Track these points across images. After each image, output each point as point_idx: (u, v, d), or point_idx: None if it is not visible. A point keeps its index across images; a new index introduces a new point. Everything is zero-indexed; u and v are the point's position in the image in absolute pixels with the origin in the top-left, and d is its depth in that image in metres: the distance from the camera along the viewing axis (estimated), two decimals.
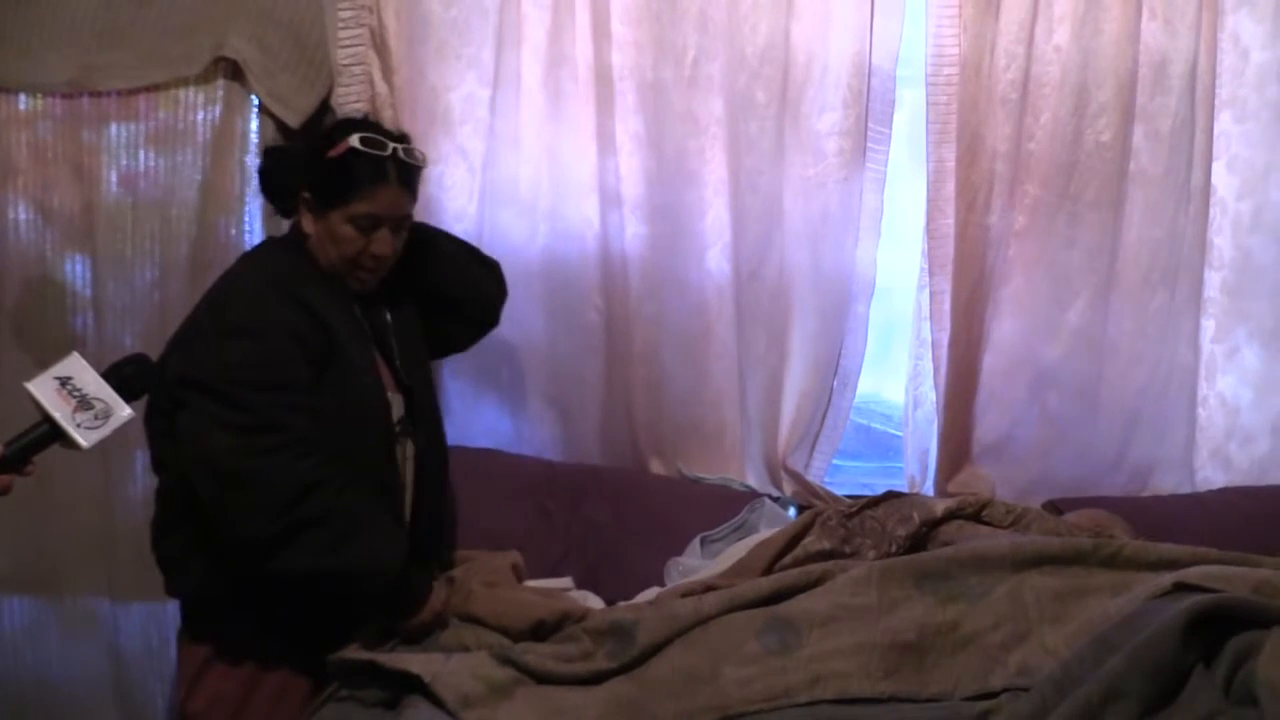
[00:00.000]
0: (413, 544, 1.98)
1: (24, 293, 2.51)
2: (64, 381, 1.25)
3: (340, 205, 1.86)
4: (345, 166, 1.86)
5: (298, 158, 1.96)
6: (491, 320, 2.26)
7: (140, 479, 2.54)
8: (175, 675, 1.99)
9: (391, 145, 1.88)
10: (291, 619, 1.85)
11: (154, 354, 2.48)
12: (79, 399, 1.24)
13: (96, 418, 1.24)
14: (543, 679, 1.71)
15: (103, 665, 2.60)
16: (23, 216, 2.50)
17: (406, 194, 1.92)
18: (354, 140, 1.86)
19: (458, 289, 2.13)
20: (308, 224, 1.90)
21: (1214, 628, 1.54)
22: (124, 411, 1.27)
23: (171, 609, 2.51)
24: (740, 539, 2.29)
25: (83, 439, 1.24)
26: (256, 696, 1.88)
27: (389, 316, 1.98)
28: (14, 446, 1.21)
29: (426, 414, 2.03)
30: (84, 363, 1.27)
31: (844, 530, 2.09)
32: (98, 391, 1.26)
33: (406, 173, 1.91)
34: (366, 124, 1.97)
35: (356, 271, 1.90)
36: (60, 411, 1.23)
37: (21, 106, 2.47)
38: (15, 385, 2.45)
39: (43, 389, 1.24)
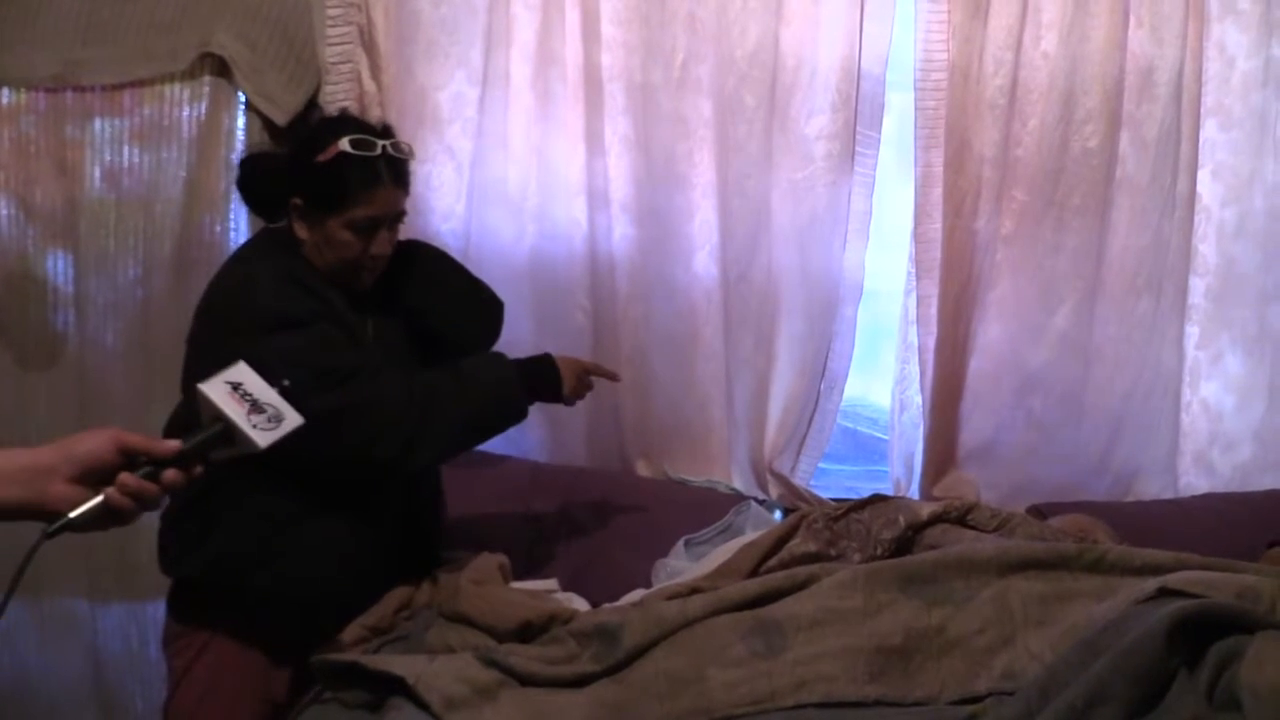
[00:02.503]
0: (408, 549, 1.98)
1: (5, 289, 2.49)
2: (235, 386, 1.27)
3: (336, 212, 1.83)
4: (337, 172, 1.83)
5: (281, 164, 1.93)
6: None
7: None
8: (164, 672, 1.97)
9: (380, 144, 1.85)
10: (294, 605, 1.84)
11: (137, 352, 2.49)
12: (251, 403, 1.26)
13: (269, 420, 1.26)
14: (527, 681, 1.70)
15: (81, 666, 2.59)
16: (4, 212, 2.49)
17: (400, 190, 1.90)
18: (343, 144, 1.82)
19: (442, 324, 2.08)
20: (301, 230, 1.87)
21: (1197, 633, 1.54)
22: (296, 418, 1.28)
23: (152, 610, 2.50)
24: (726, 541, 2.29)
25: (259, 439, 1.25)
26: (245, 695, 1.87)
27: (371, 329, 1.97)
28: (190, 444, 1.22)
29: None
30: (251, 371, 1.29)
31: (830, 533, 2.08)
32: (268, 398, 1.28)
33: (398, 169, 1.89)
34: (351, 122, 1.93)
35: (358, 273, 1.89)
36: (235, 413, 1.25)
37: (4, 101, 2.46)
38: None
39: (216, 391, 1.26)
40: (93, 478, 1.16)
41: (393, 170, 1.87)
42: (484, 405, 1.90)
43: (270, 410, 1.27)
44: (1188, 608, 1.55)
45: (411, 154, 1.94)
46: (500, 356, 1.98)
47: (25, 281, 2.49)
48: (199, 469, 1.22)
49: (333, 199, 1.83)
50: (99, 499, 1.14)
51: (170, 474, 1.19)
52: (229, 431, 1.25)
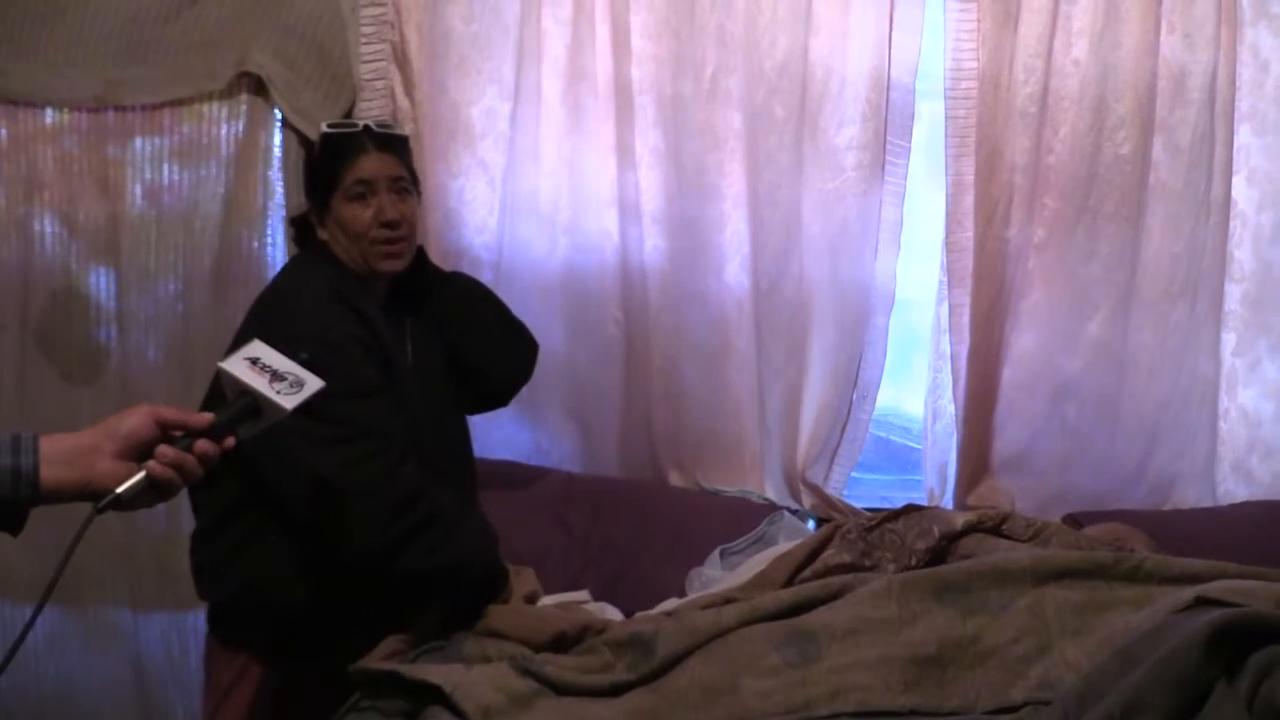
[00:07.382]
0: None
1: (49, 305, 2.53)
2: (254, 361, 1.31)
3: (334, 190, 1.90)
4: (324, 154, 1.94)
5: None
6: (498, 403, 2.28)
7: None
8: (202, 686, 2.00)
9: (361, 122, 1.96)
10: (328, 626, 1.86)
11: (178, 366, 2.53)
12: (271, 373, 1.30)
13: (291, 386, 1.30)
14: (563, 690, 1.71)
15: (124, 675, 2.62)
16: (49, 229, 2.53)
17: (389, 157, 1.94)
18: (323, 127, 1.95)
19: (477, 361, 2.11)
20: (323, 232, 1.94)
21: (1236, 642, 1.52)
22: (317, 382, 1.32)
23: (193, 619, 2.53)
24: (759, 551, 2.29)
25: (285, 402, 1.29)
26: (286, 709, 1.89)
27: (410, 353, 1.99)
28: (220, 419, 1.26)
29: (436, 442, 2.02)
30: (267, 346, 1.33)
31: (864, 543, 2.08)
32: (287, 367, 1.32)
33: (382, 140, 1.94)
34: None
35: (378, 247, 1.91)
36: (257, 383, 1.29)
37: (48, 120, 2.51)
38: (42, 395, 2.52)
39: (236, 367, 1.30)
40: (135, 453, 1.20)
41: (376, 140, 1.94)
42: (456, 564, 1.87)
43: (291, 378, 1.30)
44: (1226, 616, 1.54)
45: (402, 131, 2.03)
46: (493, 541, 1.96)
47: (69, 297, 2.54)
48: (231, 442, 1.25)
49: (326, 180, 1.91)
50: (142, 473, 1.18)
51: (202, 444, 1.22)
52: (256, 404, 1.28)
